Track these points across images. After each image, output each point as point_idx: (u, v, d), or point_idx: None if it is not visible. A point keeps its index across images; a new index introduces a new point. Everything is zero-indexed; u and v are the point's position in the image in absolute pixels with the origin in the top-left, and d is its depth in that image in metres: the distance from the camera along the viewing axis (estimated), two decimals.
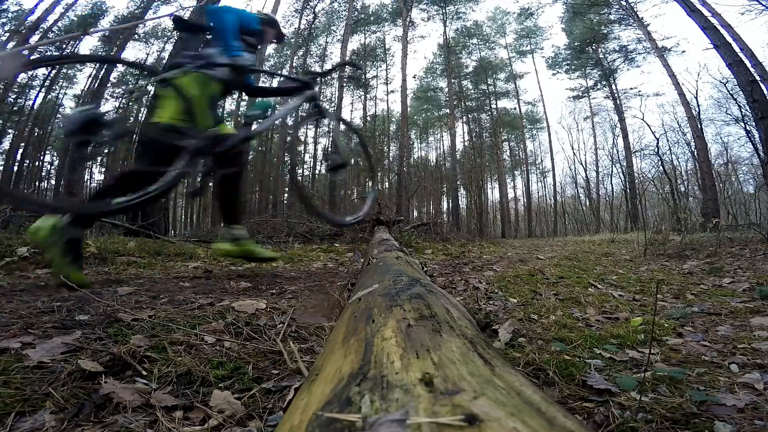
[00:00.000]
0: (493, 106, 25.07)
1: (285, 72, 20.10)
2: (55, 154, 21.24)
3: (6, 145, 18.31)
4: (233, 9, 2.40)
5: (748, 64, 8.08)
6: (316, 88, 2.62)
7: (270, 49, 20.33)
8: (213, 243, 3.09)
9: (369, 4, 22.52)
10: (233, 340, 1.20)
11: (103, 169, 21.29)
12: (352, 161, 25.73)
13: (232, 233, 2.55)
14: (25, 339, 1.08)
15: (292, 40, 21.75)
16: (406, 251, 2.58)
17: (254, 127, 2.58)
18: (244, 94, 3.16)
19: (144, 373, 0.92)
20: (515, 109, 25.14)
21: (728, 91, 14.01)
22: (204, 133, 2.10)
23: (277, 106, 2.53)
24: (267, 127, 2.68)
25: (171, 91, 2.06)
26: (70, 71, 19.40)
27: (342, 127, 3.61)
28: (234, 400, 0.83)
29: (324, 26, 22.41)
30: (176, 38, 8.79)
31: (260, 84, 2.91)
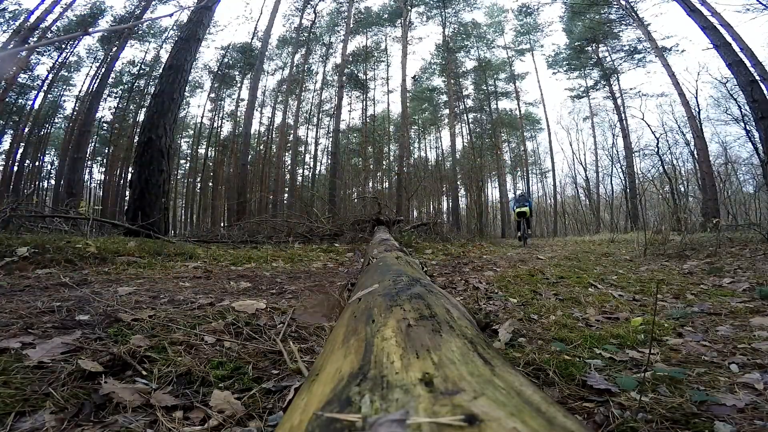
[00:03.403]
0: (494, 106, 25.03)
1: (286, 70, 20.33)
2: (55, 154, 21.27)
3: (6, 145, 18.34)
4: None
5: (748, 64, 8.07)
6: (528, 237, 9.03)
7: (270, 48, 20.50)
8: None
9: (371, 5, 22.52)
10: (233, 340, 1.20)
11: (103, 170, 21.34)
12: (352, 161, 25.86)
13: (526, 238, 8.59)
14: (25, 339, 1.08)
15: (293, 39, 21.75)
16: (406, 251, 2.58)
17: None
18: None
19: (144, 373, 0.92)
20: (515, 110, 25.14)
21: (728, 90, 14.01)
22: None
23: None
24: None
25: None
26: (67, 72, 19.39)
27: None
28: (234, 400, 0.83)
29: (328, 25, 22.37)
30: (175, 39, 9.18)
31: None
